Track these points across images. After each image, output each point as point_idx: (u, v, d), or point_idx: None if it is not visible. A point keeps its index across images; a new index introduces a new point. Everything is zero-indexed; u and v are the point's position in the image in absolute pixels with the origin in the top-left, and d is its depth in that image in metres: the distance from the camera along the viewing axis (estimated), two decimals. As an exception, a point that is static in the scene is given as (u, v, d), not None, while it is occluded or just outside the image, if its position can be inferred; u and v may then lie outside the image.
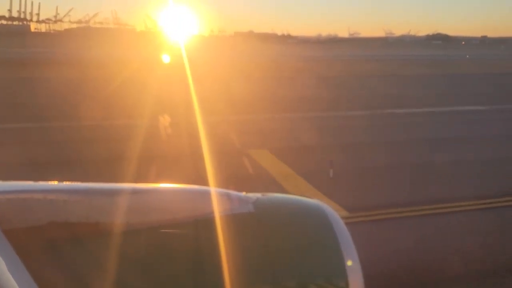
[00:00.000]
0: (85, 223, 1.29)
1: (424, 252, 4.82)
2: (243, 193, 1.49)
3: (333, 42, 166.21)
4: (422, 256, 4.72)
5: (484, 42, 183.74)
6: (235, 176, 7.12)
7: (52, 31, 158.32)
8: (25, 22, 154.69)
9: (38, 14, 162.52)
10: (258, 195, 1.50)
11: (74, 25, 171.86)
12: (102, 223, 1.30)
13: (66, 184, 1.43)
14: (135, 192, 1.39)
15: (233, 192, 1.46)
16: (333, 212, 1.44)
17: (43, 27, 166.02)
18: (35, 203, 1.29)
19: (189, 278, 1.27)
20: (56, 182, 1.43)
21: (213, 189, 1.45)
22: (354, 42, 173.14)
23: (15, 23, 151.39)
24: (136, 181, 1.51)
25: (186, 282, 1.27)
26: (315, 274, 1.30)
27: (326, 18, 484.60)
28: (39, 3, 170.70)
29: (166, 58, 35.19)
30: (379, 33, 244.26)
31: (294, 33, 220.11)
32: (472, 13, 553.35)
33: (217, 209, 1.37)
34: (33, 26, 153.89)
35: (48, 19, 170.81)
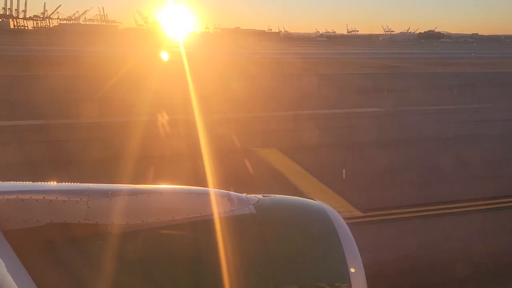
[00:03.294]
0: (84, 224, 1.27)
1: (427, 254, 4.73)
2: (244, 194, 1.48)
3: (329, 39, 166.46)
4: (426, 258, 4.63)
5: (474, 39, 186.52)
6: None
7: (25, 28, 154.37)
8: (10, 19, 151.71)
9: (24, 11, 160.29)
10: (259, 196, 1.49)
11: (64, 22, 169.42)
12: (101, 224, 1.28)
13: (65, 184, 1.41)
14: (134, 193, 1.37)
15: (234, 193, 1.44)
16: (336, 214, 1.43)
17: (30, 24, 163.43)
18: (34, 203, 1.27)
19: (189, 281, 1.25)
20: (55, 183, 1.42)
21: (214, 190, 1.43)
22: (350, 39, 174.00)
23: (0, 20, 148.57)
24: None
25: (185, 285, 1.25)
26: (317, 277, 1.29)
27: (325, 15, 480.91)
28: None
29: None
30: (378, 30, 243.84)
31: (291, 30, 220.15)
32: (467, 12, 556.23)
33: (218, 211, 1.35)
34: (12, 24, 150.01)
35: (35, 16, 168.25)
